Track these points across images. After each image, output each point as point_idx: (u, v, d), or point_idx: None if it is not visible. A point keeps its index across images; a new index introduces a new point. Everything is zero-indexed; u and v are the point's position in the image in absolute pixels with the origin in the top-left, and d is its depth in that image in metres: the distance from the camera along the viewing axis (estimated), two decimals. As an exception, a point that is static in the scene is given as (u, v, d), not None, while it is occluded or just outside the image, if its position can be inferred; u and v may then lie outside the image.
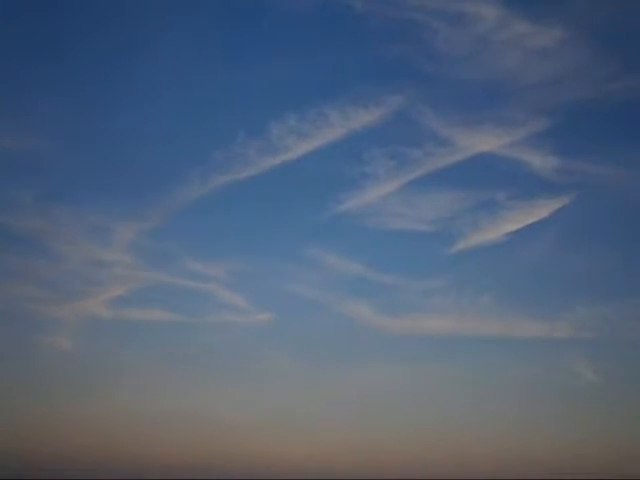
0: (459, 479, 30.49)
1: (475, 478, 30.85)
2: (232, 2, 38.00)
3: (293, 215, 38.22)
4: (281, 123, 36.87)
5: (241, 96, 37.65)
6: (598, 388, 32.54)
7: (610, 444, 31.11)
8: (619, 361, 32.88)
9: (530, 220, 36.16)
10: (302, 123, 36.68)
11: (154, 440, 32.39)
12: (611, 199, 35.05)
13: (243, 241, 37.90)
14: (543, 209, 35.94)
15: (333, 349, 35.96)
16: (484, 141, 36.20)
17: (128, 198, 37.37)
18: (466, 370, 34.69)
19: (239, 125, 37.57)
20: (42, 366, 33.93)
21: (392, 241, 37.29)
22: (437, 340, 35.53)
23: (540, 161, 35.63)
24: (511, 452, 31.56)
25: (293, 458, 32.54)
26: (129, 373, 34.52)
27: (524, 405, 32.36)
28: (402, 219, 37.13)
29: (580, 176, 35.49)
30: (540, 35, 34.61)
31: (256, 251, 37.69)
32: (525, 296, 35.43)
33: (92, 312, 35.67)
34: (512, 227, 36.33)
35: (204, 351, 35.33)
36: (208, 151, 37.27)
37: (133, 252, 36.26)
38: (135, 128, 37.60)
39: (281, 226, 38.09)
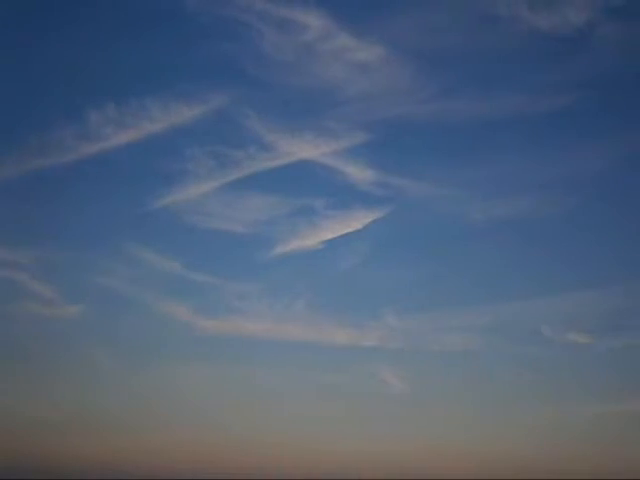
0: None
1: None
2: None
3: (110, 206, 37.09)
4: (100, 111, 36.41)
5: (59, 80, 36.80)
6: (403, 395, 34.16)
7: (415, 447, 32.95)
8: (423, 370, 34.55)
9: (346, 230, 37.09)
10: (122, 113, 36.36)
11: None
12: (423, 215, 36.57)
13: (55, 229, 36.66)
14: (358, 220, 36.93)
15: (147, 347, 35.22)
16: (305, 149, 36.86)
17: None
18: (279, 374, 34.90)
19: (56, 110, 36.80)
20: None
21: (210, 241, 37.06)
22: (252, 343, 35.64)
23: (358, 173, 36.61)
24: (319, 453, 32.78)
25: (105, 457, 32.29)
26: None
27: (331, 409, 33.52)
28: (221, 220, 37.13)
29: (395, 191, 36.74)
30: (363, 50, 35.60)
31: (69, 241, 36.35)
32: (337, 304, 36.19)
33: None
34: (328, 235, 37.14)
35: (8, 344, 34.30)
36: (23, 135, 36.19)
37: None
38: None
39: (96, 217, 36.93)
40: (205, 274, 36.63)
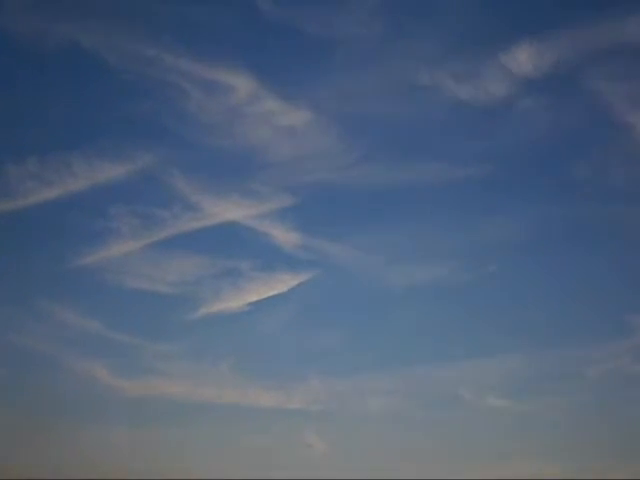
0: None
1: None
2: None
3: (29, 263, 36.68)
4: (21, 166, 36.01)
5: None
6: (326, 456, 34.21)
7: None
8: (346, 432, 34.58)
9: (271, 292, 37.21)
10: (44, 169, 35.94)
11: None
12: (346, 279, 36.99)
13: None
14: (283, 283, 37.13)
15: (65, 408, 34.67)
16: (232, 210, 37.08)
17: None
18: (201, 436, 34.34)
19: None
20: None
21: (132, 301, 36.54)
22: (174, 405, 35.07)
23: (283, 236, 36.93)
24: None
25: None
26: None
27: (254, 472, 33.28)
28: (144, 279, 36.74)
29: (319, 254, 37.14)
30: (289, 114, 36.29)
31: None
32: (262, 366, 35.88)
33: None
34: (253, 298, 37.18)
35: None
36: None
37: None
38: None
39: (14, 273, 36.67)
40: (126, 334, 36.13)
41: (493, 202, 35.27)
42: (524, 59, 32.08)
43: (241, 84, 36.12)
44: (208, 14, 36.11)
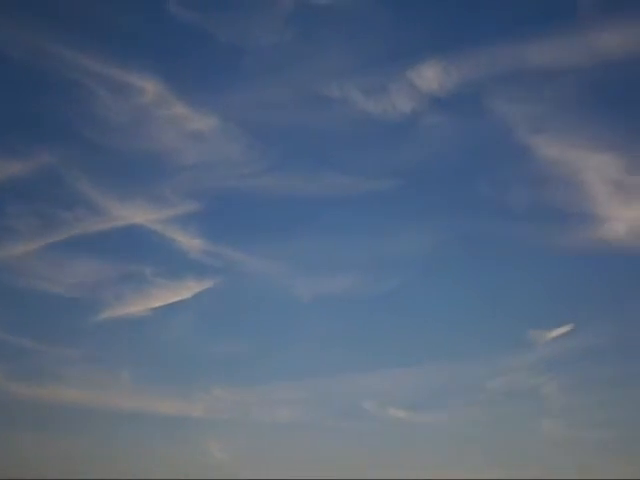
0: None
1: None
2: None
3: None
4: None
5: None
6: (225, 465, 33.86)
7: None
8: (248, 441, 34.26)
9: (174, 298, 36.57)
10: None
11: None
12: (252, 288, 36.58)
13: None
14: (188, 289, 36.56)
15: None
16: (136, 214, 36.37)
17: None
18: (101, 444, 33.55)
19: None
20: None
21: (32, 303, 35.28)
22: (72, 411, 33.83)
23: (188, 242, 36.40)
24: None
25: None
26: None
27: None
28: (44, 281, 35.49)
29: (225, 262, 36.65)
30: (197, 119, 35.89)
31: None
32: (164, 374, 35.11)
33: None
34: (157, 303, 36.50)
35: None
36: None
37: None
38: None
39: None
40: (24, 337, 34.75)
41: (400, 216, 35.75)
42: (431, 77, 32.72)
43: (149, 87, 35.57)
44: (117, 13, 35.50)
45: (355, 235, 36.05)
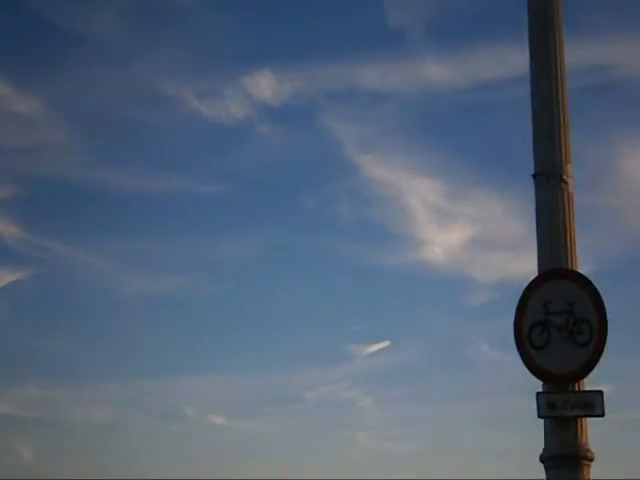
0: None
1: None
2: None
3: None
4: None
5: None
6: (35, 466, 32.79)
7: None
8: (58, 441, 33.46)
9: (-14, 288, 35.67)
10: None
11: None
12: (72, 282, 34.72)
13: None
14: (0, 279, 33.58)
15: None
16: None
17: None
18: None
19: None
20: None
21: None
22: None
23: (3, 229, 33.30)
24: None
25: None
26: None
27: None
28: None
29: (45, 253, 34.73)
30: (21, 102, 33.95)
31: None
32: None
33: None
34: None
35: None
36: None
37: None
38: None
39: None
40: None
41: (228, 221, 35.43)
42: (265, 86, 32.62)
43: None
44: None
45: (185, 237, 35.47)
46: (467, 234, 32.61)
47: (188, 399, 35.05)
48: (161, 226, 35.96)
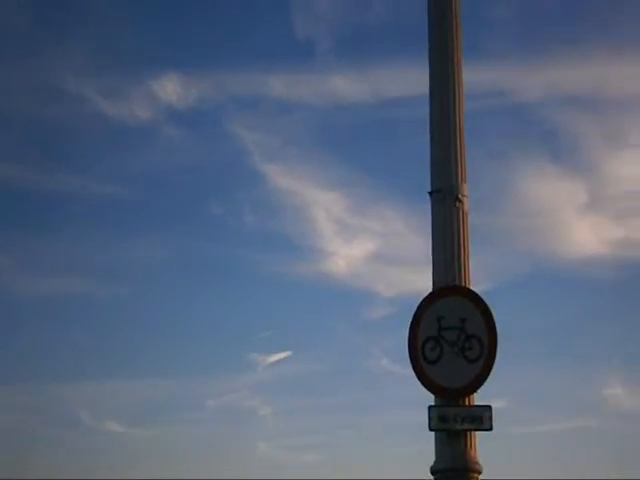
0: None
1: None
2: None
3: None
4: None
5: None
6: None
7: None
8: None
9: None
10: None
11: None
12: None
13: None
14: None
15: None
16: None
17: None
18: None
19: None
20: None
21: None
22: None
23: None
24: None
25: None
26: None
27: None
28: None
29: None
30: None
31: None
32: None
33: None
34: None
35: None
36: None
37: None
38: None
39: None
40: None
41: (134, 224, 34.94)
42: (171, 90, 32.31)
43: None
44: None
45: (87, 237, 34.64)
46: (369, 248, 32.78)
47: (84, 405, 34.44)
48: (59, 225, 35.20)
